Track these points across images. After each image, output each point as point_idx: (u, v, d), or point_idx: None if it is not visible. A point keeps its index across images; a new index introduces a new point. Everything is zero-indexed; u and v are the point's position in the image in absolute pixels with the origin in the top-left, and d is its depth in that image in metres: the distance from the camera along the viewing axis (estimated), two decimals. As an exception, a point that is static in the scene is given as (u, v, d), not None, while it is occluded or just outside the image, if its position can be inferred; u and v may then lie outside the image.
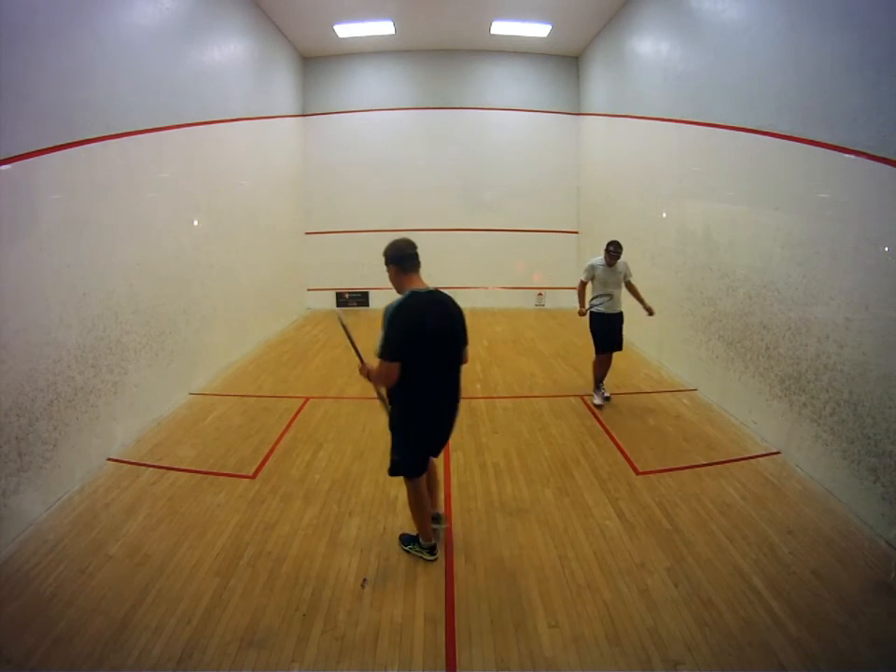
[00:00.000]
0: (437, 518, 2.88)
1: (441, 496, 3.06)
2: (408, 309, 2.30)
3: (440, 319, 2.37)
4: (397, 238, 2.48)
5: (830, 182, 3.47)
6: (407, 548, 2.81)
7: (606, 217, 8.44)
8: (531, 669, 2.11)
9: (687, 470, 3.67)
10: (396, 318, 2.28)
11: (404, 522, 3.05)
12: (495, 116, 9.72)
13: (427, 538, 2.75)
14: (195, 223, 5.52)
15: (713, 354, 4.99)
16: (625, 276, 4.87)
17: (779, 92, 3.95)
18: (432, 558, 2.74)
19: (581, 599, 2.46)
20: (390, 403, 2.56)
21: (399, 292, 2.43)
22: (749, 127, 4.30)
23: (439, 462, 3.79)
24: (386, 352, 2.28)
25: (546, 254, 9.91)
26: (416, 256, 2.46)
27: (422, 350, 2.31)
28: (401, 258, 2.42)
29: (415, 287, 2.39)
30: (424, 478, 2.66)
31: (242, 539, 2.93)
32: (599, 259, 4.81)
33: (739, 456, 3.87)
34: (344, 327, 2.61)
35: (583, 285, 4.93)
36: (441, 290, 2.46)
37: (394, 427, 2.57)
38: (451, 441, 4.09)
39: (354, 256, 9.75)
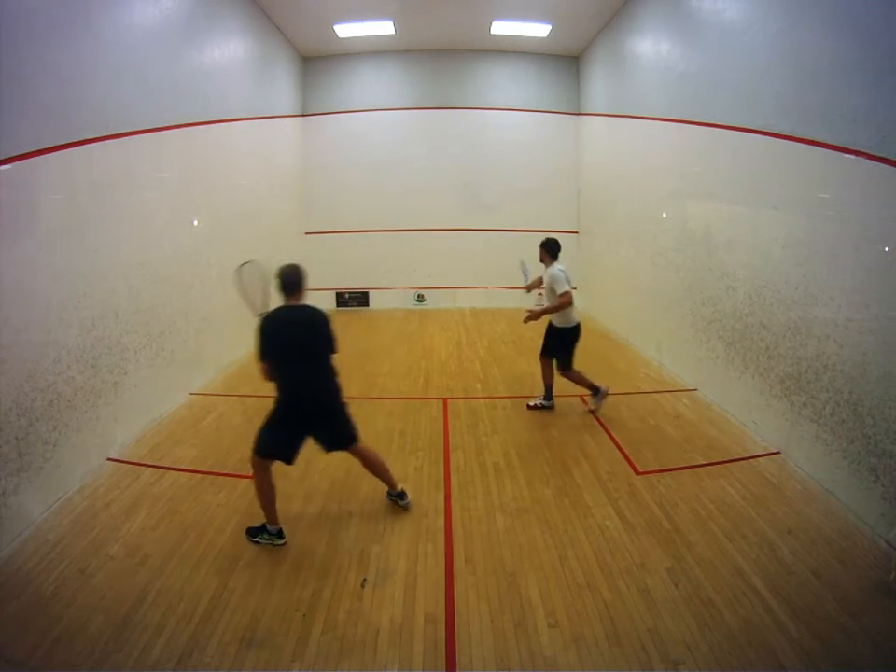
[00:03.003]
0: (400, 495, 3.19)
1: (391, 475, 3.22)
2: (265, 320, 2.87)
3: (288, 327, 2.85)
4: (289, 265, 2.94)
5: (830, 182, 3.47)
6: (255, 539, 2.87)
7: (606, 217, 8.44)
8: (531, 669, 2.11)
9: (687, 470, 3.66)
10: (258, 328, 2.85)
11: (401, 523, 3.05)
12: (495, 116, 9.71)
13: (272, 521, 2.87)
14: (195, 223, 5.52)
15: (713, 354, 4.99)
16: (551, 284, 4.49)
17: (779, 92, 3.95)
18: (281, 542, 2.86)
19: (581, 599, 2.46)
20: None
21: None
22: (749, 127, 4.30)
23: (438, 463, 3.84)
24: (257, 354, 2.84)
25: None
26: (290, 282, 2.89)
27: (274, 351, 2.82)
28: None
29: (287, 303, 2.91)
30: (272, 465, 2.86)
31: (242, 539, 2.93)
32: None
33: (739, 456, 3.87)
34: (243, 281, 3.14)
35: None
36: (308, 306, 2.92)
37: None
38: (451, 441, 4.15)
39: (354, 256, 9.75)
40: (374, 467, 3.15)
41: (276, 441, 2.84)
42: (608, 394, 4.68)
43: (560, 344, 4.62)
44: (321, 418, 2.94)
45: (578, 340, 4.64)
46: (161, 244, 4.78)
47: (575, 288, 4.73)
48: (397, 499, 3.21)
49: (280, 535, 2.88)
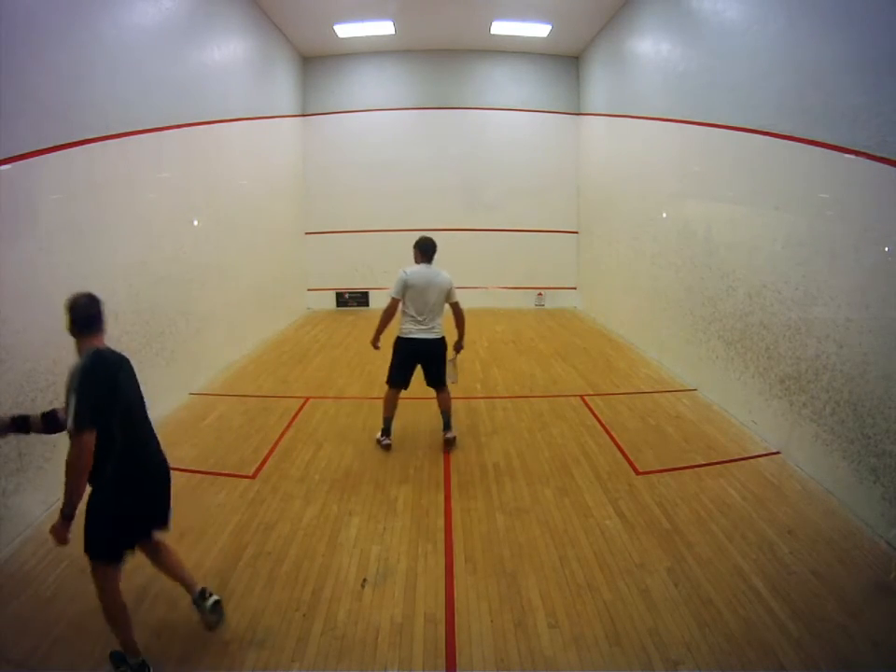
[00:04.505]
0: (202, 595, 2.31)
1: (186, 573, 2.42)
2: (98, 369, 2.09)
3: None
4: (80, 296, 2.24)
5: (830, 182, 3.47)
6: (118, 671, 2.09)
7: (606, 217, 8.44)
8: (531, 669, 2.11)
9: (687, 470, 3.66)
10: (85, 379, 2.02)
11: (401, 523, 3.04)
12: (495, 116, 9.71)
13: (132, 651, 2.08)
14: (195, 223, 5.52)
15: (713, 354, 4.99)
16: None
17: (779, 92, 3.95)
18: None
19: (581, 599, 2.46)
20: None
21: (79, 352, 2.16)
22: (750, 127, 4.30)
23: (438, 463, 3.83)
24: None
25: (546, 254, 9.91)
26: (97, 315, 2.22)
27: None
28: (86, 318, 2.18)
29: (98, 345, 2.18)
30: (118, 573, 2.14)
31: (242, 539, 2.93)
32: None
33: (739, 456, 3.87)
34: None
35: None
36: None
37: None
38: (451, 441, 4.16)
39: (354, 256, 9.74)
40: (167, 560, 2.36)
41: (116, 535, 2.16)
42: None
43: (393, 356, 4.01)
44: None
45: (410, 357, 3.94)
46: (161, 244, 4.77)
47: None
48: (199, 598, 2.31)
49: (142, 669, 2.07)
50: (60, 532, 1.99)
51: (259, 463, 3.82)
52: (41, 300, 3.28)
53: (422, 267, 4.02)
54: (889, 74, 2.96)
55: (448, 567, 2.70)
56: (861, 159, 3.14)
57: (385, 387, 4.05)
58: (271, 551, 2.84)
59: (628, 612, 2.37)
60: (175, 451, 4.02)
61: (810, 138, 3.58)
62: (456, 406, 4.90)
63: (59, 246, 3.43)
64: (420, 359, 3.97)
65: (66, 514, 1.98)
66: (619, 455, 3.91)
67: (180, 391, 5.10)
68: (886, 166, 2.96)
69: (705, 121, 5.10)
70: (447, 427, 4.04)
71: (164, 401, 4.73)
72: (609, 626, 2.30)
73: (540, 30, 8.47)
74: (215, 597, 2.32)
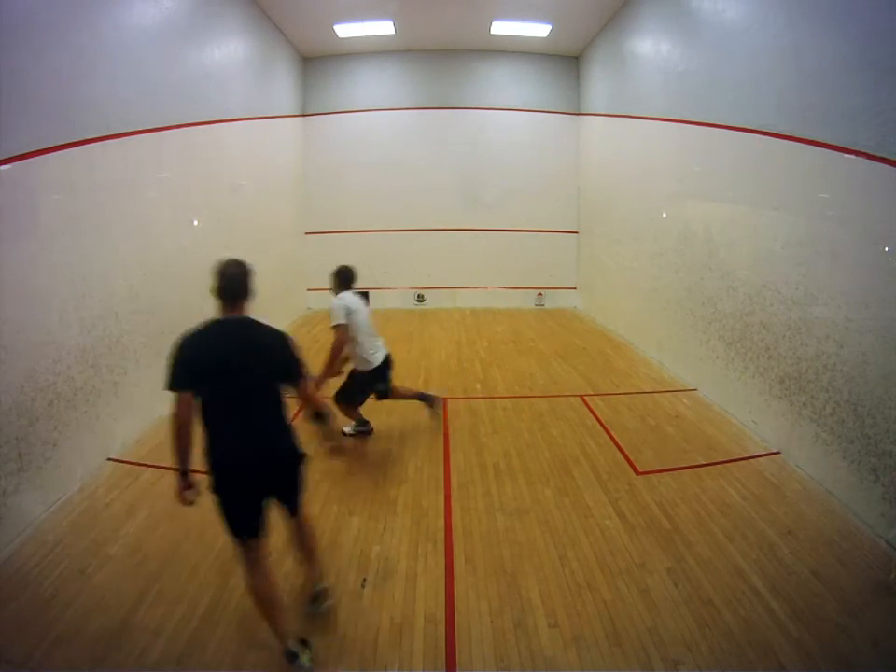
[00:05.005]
0: (318, 595, 2.34)
1: (321, 567, 2.45)
2: (189, 336, 2.06)
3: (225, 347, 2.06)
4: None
5: (830, 182, 3.47)
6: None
7: (606, 217, 8.44)
8: (531, 669, 2.11)
9: (687, 470, 3.66)
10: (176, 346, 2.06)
11: (401, 523, 3.05)
12: (495, 116, 9.70)
13: (281, 637, 2.07)
14: (195, 223, 5.52)
15: (713, 354, 4.99)
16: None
17: (779, 92, 3.95)
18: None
19: (581, 599, 2.46)
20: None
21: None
22: (749, 127, 4.30)
23: (438, 463, 3.83)
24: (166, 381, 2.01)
25: (546, 254, 9.91)
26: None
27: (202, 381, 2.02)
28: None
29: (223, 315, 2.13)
30: (262, 551, 2.13)
31: (242, 539, 2.93)
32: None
33: (739, 456, 3.87)
34: None
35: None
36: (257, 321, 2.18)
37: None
38: (451, 441, 4.15)
39: (354, 256, 9.67)
40: (303, 546, 2.38)
41: (239, 513, 2.09)
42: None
43: (358, 387, 3.92)
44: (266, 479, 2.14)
45: (383, 380, 3.95)
46: (161, 244, 4.77)
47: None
48: (316, 599, 2.35)
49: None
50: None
51: (258, 463, 3.81)
52: (41, 300, 3.29)
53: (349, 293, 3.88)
54: (889, 74, 2.96)
55: (448, 566, 2.70)
56: (860, 159, 3.14)
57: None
58: (271, 550, 2.83)
59: (628, 612, 2.37)
60: (175, 451, 4.03)
61: (810, 138, 3.58)
62: (457, 406, 4.92)
63: (59, 246, 3.43)
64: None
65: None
66: (619, 455, 3.91)
67: (180, 391, 5.09)
68: (886, 166, 2.96)
69: (705, 121, 5.10)
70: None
71: (164, 401, 4.72)
72: (608, 626, 2.30)
73: (540, 30, 8.46)
74: (330, 602, 2.36)
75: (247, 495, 2.08)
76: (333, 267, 4.12)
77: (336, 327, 3.65)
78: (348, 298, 3.80)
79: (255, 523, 2.09)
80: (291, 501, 2.27)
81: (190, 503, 2.08)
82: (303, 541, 2.36)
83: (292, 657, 2.04)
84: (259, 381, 2.11)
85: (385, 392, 4.06)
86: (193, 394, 2.02)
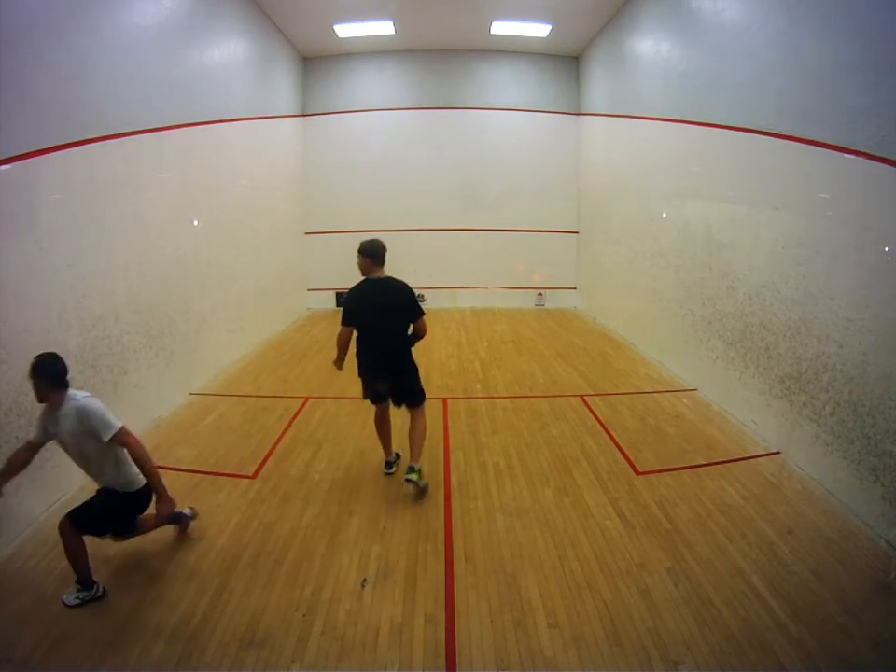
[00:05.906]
0: (411, 469, 3.28)
1: (391, 442, 3.66)
2: (354, 289, 3.43)
3: (375, 297, 3.35)
4: (375, 239, 3.46)
5: (830, 182, 3.47)
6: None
7: (606, 216, 8.44)
8: (531, 669, 2.11)
9: (687, 470, 3.66)
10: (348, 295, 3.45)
11: (401, 523, 3.05)
12: (495, 116, 9.71)
13: (387, 452, 3.65)
14: (195, 223, 5.52)
15: (713, 354, 4.99)
16: None
17: (779, 92, 3.95)
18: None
19: (581, 599, 2.46)
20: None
21: (364, 275, 3.44)
22: (749, 127, 4.30)
23: (438, 463, 3.83)
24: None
25: (546, 254, 9.91)
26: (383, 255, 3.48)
27: (359, 318, 3.38)
28: (374, 254, 3.42)
29: (373, 275, 3.41)
30: (379, 409, 3.57)
31: (242, 539, 2.93)
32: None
33: (739, 456, 3.87)
34: None
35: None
36: (392, 278, 3.43)
37: None
38: (451, 441, 4.15)
39: (354, 256, 9.71)
40: (386, 425, 3.63)
41: (368, 389, 3.50)
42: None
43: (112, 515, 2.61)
44: (390, 373, 3.42)
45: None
46: (161, 244, 4.77)
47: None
48: (410, 470, 3.30)
49: (388, 466, 3.70)
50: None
51: (259, 463, 3.82)
52: (41, 300, 3.29)
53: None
54: (889, 74, 2.96)
55: (448, 567, 2.70)
56: (860, 159, 3.14)
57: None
58: (271, 551, 2.84)
59: (628, 612, 2.37)
60: (175, 451, 4.04)
61: (810, 138, 3.58)
62: (457, 406, 4.92)
63: (59, 246, 3.43)
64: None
65: None
66: (619, 454, 3.91)
67: (180, 391, 5.10)
68: (886, 166, 2.96)
69: (705, 121, 5.10)
70: None
71: (164, 401, 4.74)
72: (608, 626, 2.30)
73: (540, 30, 8.47)
74: (413, 477, 3.27)
75: (377, 381, 3.45)
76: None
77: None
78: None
79: (379, 395, 3.51)
80: (404, 397, 3.53)
81: (339, 369, 3.50)
82: (411, 428, 3.48)
83: (388, 466, 3.65)
84: (393, 318, 3.38)
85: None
86: (354, 327, 3.40)
